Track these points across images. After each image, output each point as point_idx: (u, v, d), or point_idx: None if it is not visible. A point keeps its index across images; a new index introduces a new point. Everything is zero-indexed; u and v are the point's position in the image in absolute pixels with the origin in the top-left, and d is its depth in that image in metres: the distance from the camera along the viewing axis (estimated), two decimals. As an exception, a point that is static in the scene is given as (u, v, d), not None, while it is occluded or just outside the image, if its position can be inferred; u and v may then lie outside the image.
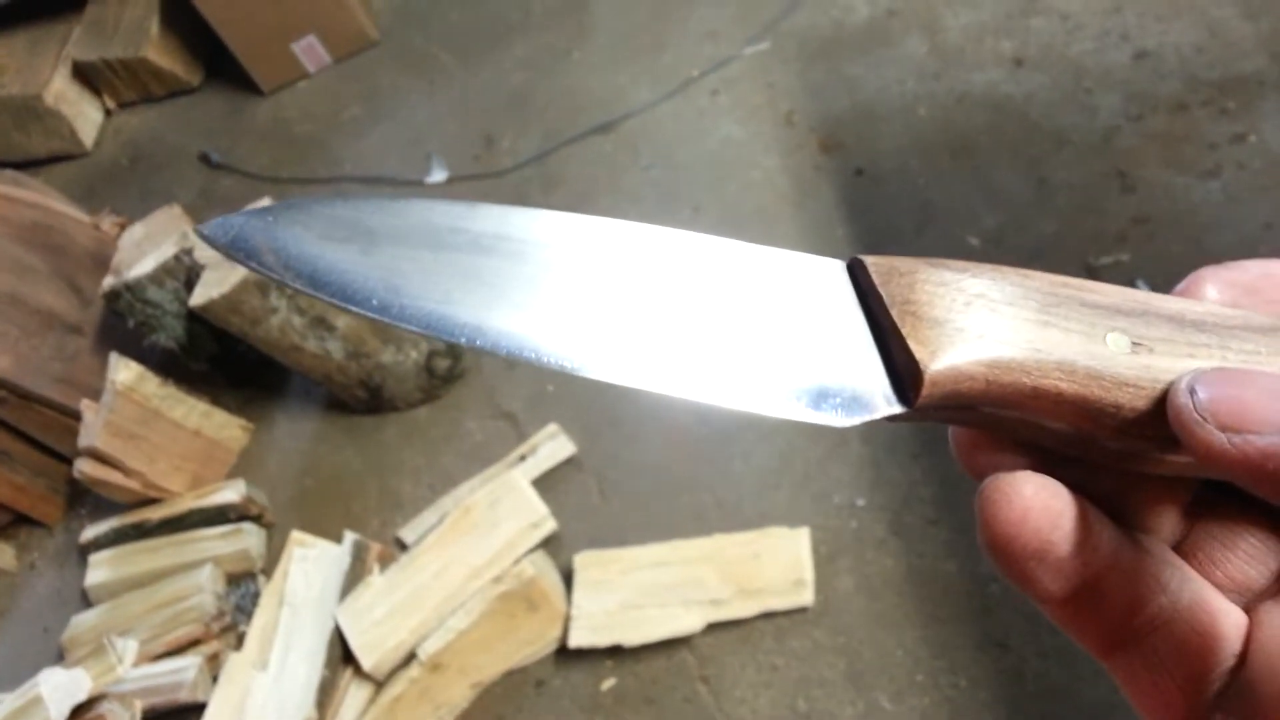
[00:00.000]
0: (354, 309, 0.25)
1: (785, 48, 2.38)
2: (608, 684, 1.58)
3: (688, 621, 1.55)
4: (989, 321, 0.26)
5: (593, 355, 0.26)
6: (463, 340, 0.25)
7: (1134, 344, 0.26)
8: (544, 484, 1.78)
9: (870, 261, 0.28)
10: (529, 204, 2.24)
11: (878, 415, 0.26)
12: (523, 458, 1.83)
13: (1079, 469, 0.28)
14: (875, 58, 2.27)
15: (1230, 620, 0.26)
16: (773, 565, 1.57)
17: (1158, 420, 0.25)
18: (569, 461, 1.82)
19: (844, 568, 1.58)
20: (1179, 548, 0.28)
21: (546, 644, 1.62)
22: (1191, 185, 1.85)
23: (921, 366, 0.25)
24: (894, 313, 0.26)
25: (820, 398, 0.26)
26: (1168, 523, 0.29)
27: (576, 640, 1.57)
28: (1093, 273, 1.77)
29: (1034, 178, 1.95)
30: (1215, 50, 2.02)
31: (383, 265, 0.25)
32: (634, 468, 1.79)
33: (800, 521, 1.62)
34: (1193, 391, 0.25)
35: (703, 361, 0.26)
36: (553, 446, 1.83)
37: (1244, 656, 0.26)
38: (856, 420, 0.26)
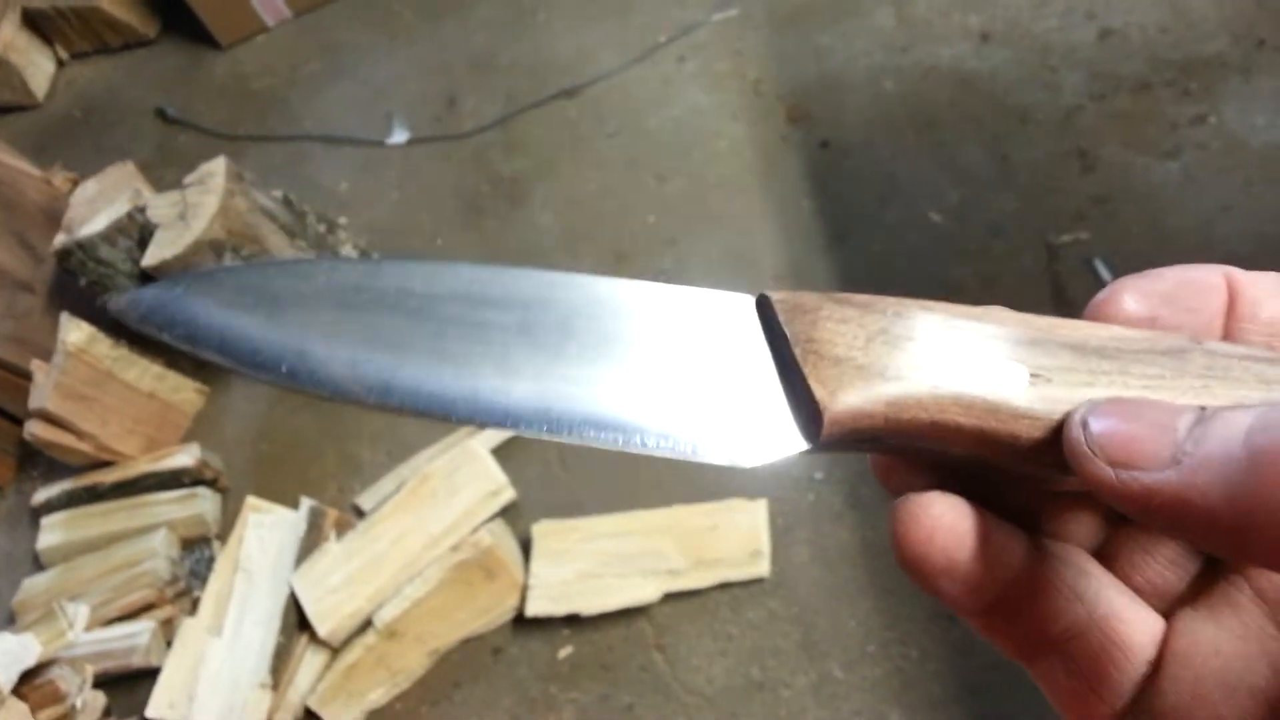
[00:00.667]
0: (264, 377, 0.25)
1: (754, 15, 2.36)
2: (565, 652, 1.59)
3: (645, 591, 1.56)
4: (888, 359, 0.27)
5: (500, 410, 0.26)
6: (371, 401, 0.25)
7: (1033, 375, 0.27)
8: (503, 453, 1.77)
9: (776, 299, 0.28)
10: (490, 168, 2.23)
11: (781, 456, 0.27)
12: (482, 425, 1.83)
13: (992, 484, 0.29)
14: (844, 28, 2.26)
15: (1145, 628, 0.27)
16: (730, 536, 1.58)
17: (1057, 449, 0.26)
18: (529, 430, 1.82)
19: (800, 540, 1.60)
20: (1100, 553, 0.29)
21: (504, 612, 1.62)
22: (1152, 165, 1.86)
23: (822, 407, 0.26)
24: (797, 351, 0.27)
25: (725, 441, 0.27)
26: (1086, 529, 0.29)
27: (534, 609, 1.57)
28: (1052, 251, 1.79)
29: (997, 154, 1.95)
30: (1179, 31, 2.03)
31: (289, 331, 0.26)
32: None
33: (758, 494, 1.63)
34: (1085, 424, 0.25)
35: (609, 409, 0.27)
36: (513, 415, 1.82)
37: (1159, 664, 0.27)
38: (761, 461, 0.27)
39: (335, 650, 1.62)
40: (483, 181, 2.25)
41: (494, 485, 1.65)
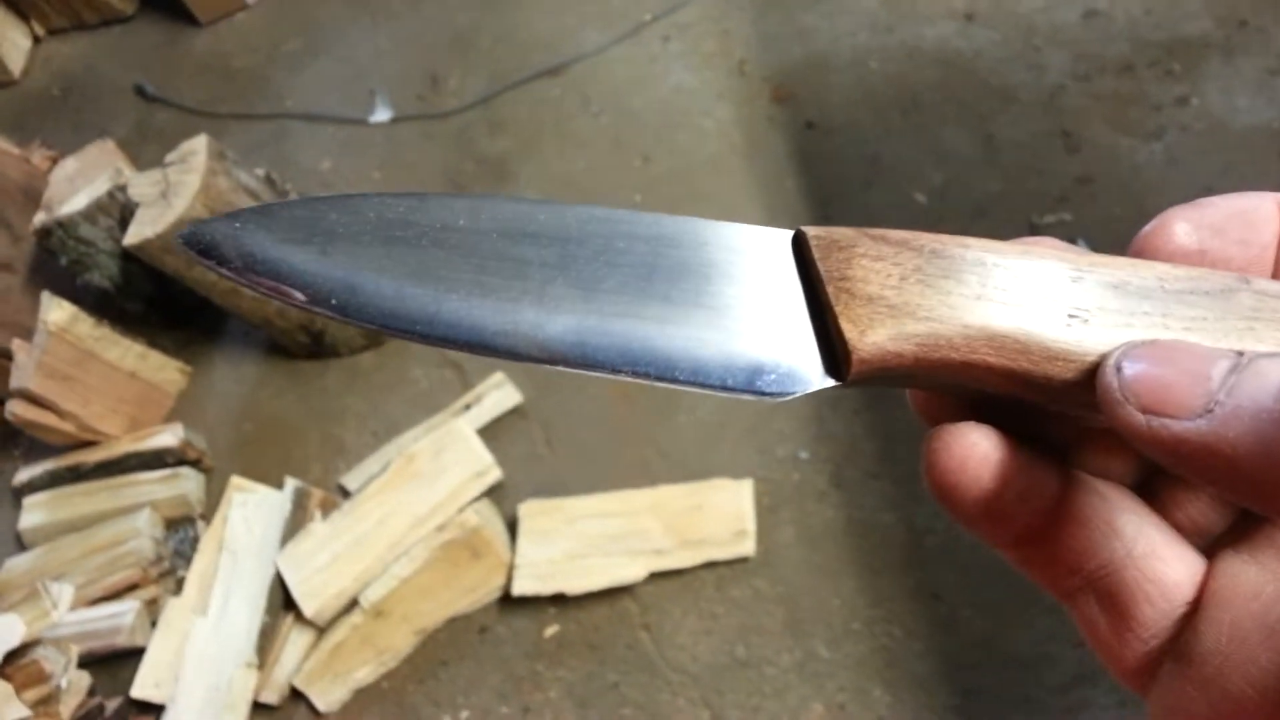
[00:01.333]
0: (317, 310, 0.26)
1: (739, -6, 2.35)
2: (551, 631, 1.60)
3: (631, 571, 1.57)
4: (921, 298, 0.26)
5: (537, 345, 0.26)
6: (416, 334, 0.26)
7: (1070, 315, 0.26)
8: (489, 433, 1.77)
9: (812, 234, 0.28)
10: (474, 147, 2.21)
11: (809, 390, 0.27)
12: (468, 406, 1.83)
13: (1031, 418, 0.28)
14: (829, 7, 2.26)
15: (1184, 568, 0.27)
16: (715, 516, 1.59)
17: (1091, 391, 0.26)
18: (515, 411, 1.82)
19: (785, 519, 1.61)
20: (1140, 489, 0.29)
21: (490, 592, 1.63)
22: (1135, 146, 1.87)
23: (851, 347, 0.26)
24: (829, 289, 0.27)
25: (754, 374, 0.27)
26: (1127, 465, 0.29)
27: (520, 588, 1.58)
28: (1036, 231, 1.80)
29: (981, 135, 1.96)
30: (1163, 12, 2.04)
31: (339, 266, 0.26)
32: (580, 418, 1.80)
33: (744, 473, 1.64)
34: (1119, 369, 0.25)
35: (643, 343, 0.27)
36: (499, 396, 1.82)
37: (1197, 604, 0.26)
38: (788, 396, 0.27)
39: (321, 630, 1.62)
40: (466, 160, 2.24)
41: (480, 465, 1.65)
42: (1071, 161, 1.88)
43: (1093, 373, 0.26)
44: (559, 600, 1.60)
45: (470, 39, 2.48)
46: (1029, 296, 0.27)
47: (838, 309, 0.26)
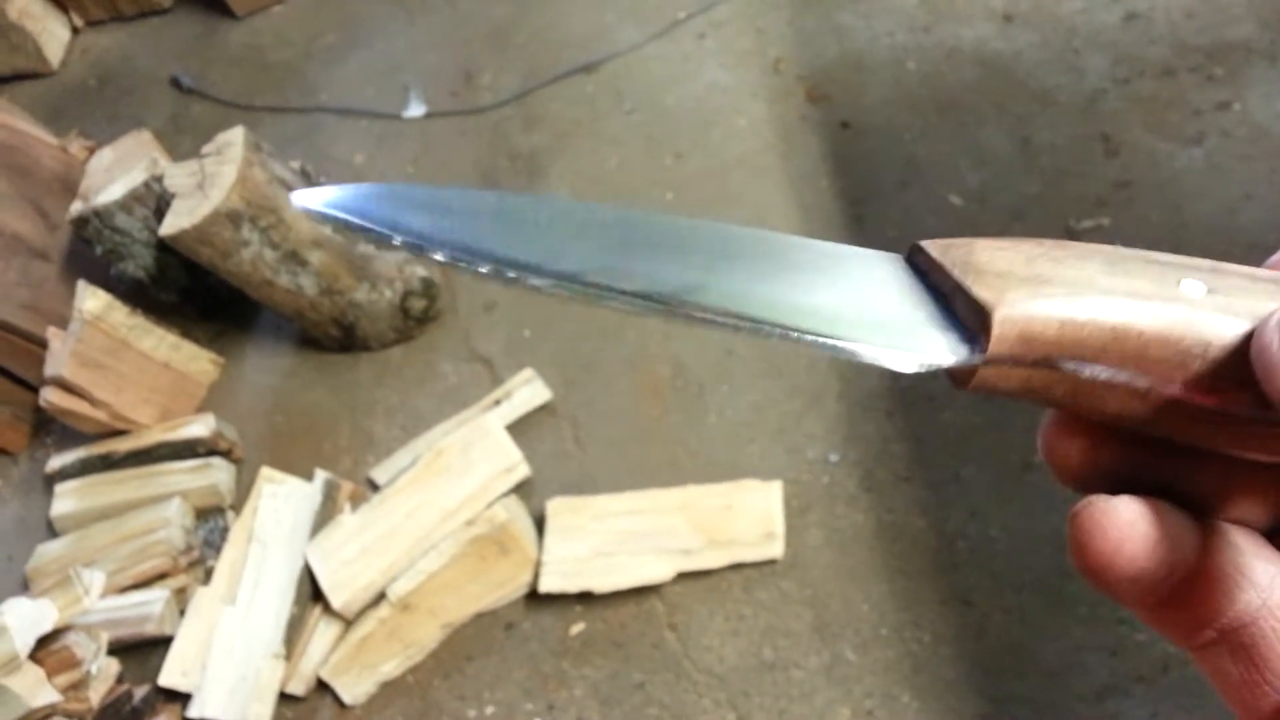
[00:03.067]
0: (459, 261, 0.27)
1: (775, -7, 2.34)
2: (577, 629, 1.60)
3: (658, 570, 1.57)
4: (1054, 272, 0.25)
5: (661, 282, 0.26)
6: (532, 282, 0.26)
7: (1210, 290, 0.25)
8: (518, 429, 1.77)
9: (925, 243, 0.27)
10: (507, 143, 2.22)
11: (946, 362, 0.26)
12: (497, 402, 1.83)
13: (1166, 462, 0.27)
14: (865, 7, 2.24)
15: None
16: (744, 517, 1.58)
17: (1241, 369, 0.24)
18: (544, 407, 1.82)
19: (814, 521, 1.60)
20: (1275, 535, 0.27)
21: (517, 588, 1.63)
22: (1175, 151, 1.85)
23: (989, 308, 0.25)
24: (955, 272, 0.26)
25: (893, 335, 0.26)
26: (1261, 509, 0.28)
27: (547, 585, 1.58)
28: (1073, 235, 1.78)
29: (1018, 137, 1.94)
30: (1205, 15, 2.01)
31: (455, 227, 0.27)
32: (609, 416, 1.79)
33: (773, 475, 1.63)
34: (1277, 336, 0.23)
35: (780, 289, 0.26)
36: (528, 392, 1.82)
37: None
38: (925, 364, 0.26)
39: (349, 622, 1.63)
40: (500, 156, 2.24)
41: (509, 461, 1.65)
42: (1110, 165, 1.86)
43: (1243, 348, 0.24)
44: (585, 598, 1.60)
45: (505, 35, 2.48)
46: (1165, 275, 0.26)
47: (969, 283, 0.25)
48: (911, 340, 0.26)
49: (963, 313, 0.26)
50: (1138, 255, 0.26)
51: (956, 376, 0.26)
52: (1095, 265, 0.26)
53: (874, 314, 0.26)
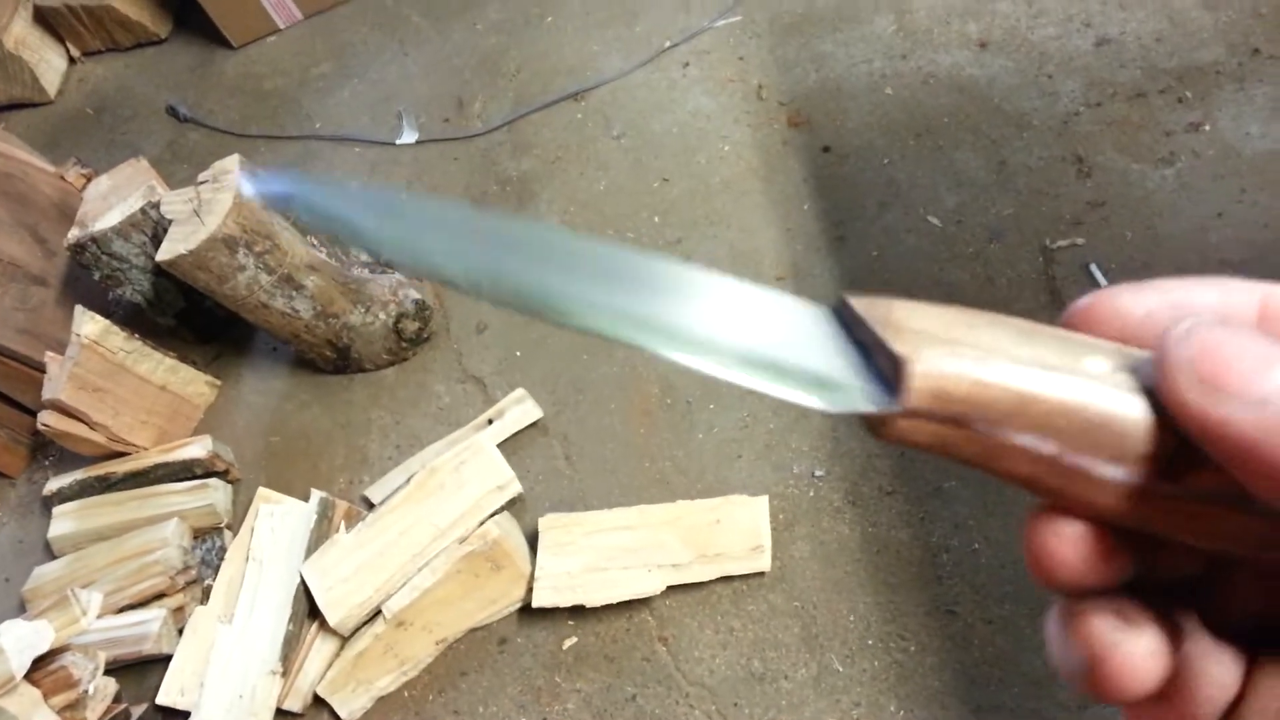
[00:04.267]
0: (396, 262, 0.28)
1: (756, 21, 2.40)
2: (569, 643, 1.63)
3: (648, 584, 1.60)
4: (968, 336, 0.26)
5: (604, 310, 0.27)
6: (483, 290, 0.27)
7: (1113, 368, 0.26)
8: (510, 447, 1.81)
9: (851, 298, 0.29)
10: (498, 168, 2.26)
11: (863, 410, 0.27)
12: (490, 421, 1.86)
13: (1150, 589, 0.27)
14: (845, 35, 2.30)
15: (1227, 669, 0.27)
16: (732, 531, 1.62)
17: (1146, 437, 0.25)
18: (535, 426, 1.86)
19: (801, 535, 1.64)
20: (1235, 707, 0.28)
21: (510, 603, 1.66)
22: (1147, 172, 1.90)
23: (905, 362, 0.25)
24: (875, 326, 0.27)
25: (814, 380, 0.27)
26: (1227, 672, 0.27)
27: (540, 600, 1.61)
28: (1049, 255, 1.83)
29: (995, 160, 1.99)
30: (1175, 39, 2.07)
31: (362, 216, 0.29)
32: (599, 434, 1.83)
33: (760, 490, 1.67)
34: (1187, 334, 0.24)
35: (710, 327, 0.27)
36: (520, 411, 1.86)
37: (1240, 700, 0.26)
38: (842, 410, 0.27)
39: (344, 639, 1.65)
40: (490, 182, 2.29)
41: (501, 479, 1.68)
42: (1084, 186, 1.91)
43: (1149, 417, 0.25)
44: (578, 612, 1.63)
45: (496, 64, 2.54)
46: (1073, 349, 0.27)
47: (888, 337, 0.26)
48: (831, 386, 0.27)
49: (882, 364, 0.27)
50: (1048, 330, 0.27)
51: (873, 425, 0.27)
52: (1007, 334, 0.27)
53: (799, 358, 0.27)
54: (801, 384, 0.27)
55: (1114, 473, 0.26)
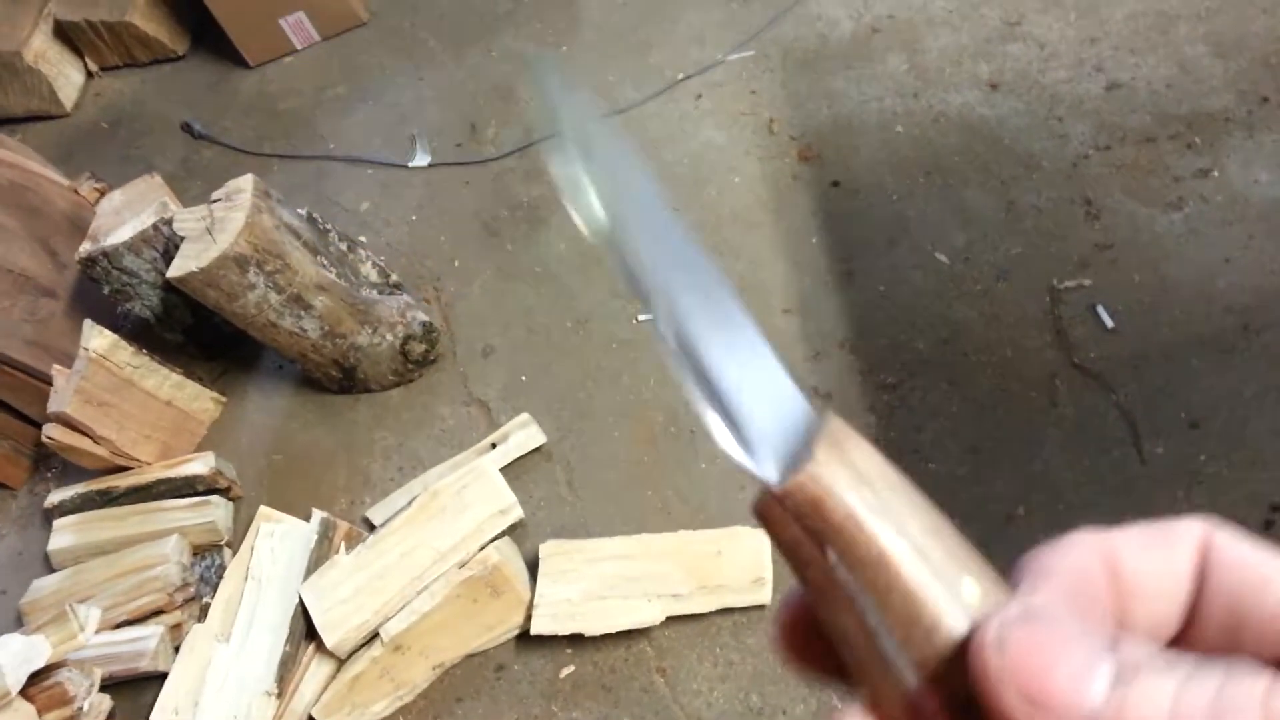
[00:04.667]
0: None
1: (770, 56, 2.42)
2: (567, 671, 1.62)
3: (648, 613, 1.59)
4: (883, 488, 0.26)
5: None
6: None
7: (981, 594, 0.26)
8: (513, 472, 1.81)
9: (830, 412, 0.29)
10: (509, 193, 2.27)
11: (750, 470, 0.27)
12: (493, 445, 1.86)
13: None
14: (857, 73, 2.32)
15: None
16: (734, 563, 1.61)
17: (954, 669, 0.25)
18: (539, 451, 1.86)
19: (802, 569, 1.63)
20: None
21: (508, 629, 1.65)
22: (1155, 216, 1.91)
23: (811, 461, 0.26)
24: (820, 434, 0.27)
25: (745, 429, 0.27)
26: None
27: (538, 627, 1.60)
28: (1056, 295, 1.84)
29: (1003, 200, 2.00)
30: (1185, 86, 2.09)
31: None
32: (602, 461, 1.83)
33: (762, 522, 1.66)
34: (1002, 639, 0.23)
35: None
36: (523, 435, 1.86)
37: None
38: (740, 462, 0.27)
39: (341, 661, 1.65)
40: (501, 207, 2.30)
41: (503, 504, 1.68)
42: (1092, 228, 1.92)
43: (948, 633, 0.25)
44: (576, 640, 1.62)
45: (510, 91, 2.56)
46: (962, 559, 0.26)
47: (819, 441, 0.27)
48: (750, 436, 0.27)
49: (800, 456, 0.27)
50: (954, 536, 0.27)
51: (758, 498, 0.27)
52: (915, 513, 0.26)
53: (750, 396, 0.28)
54: (729, 415, 0.27)
55: (913, 684, 0.25)
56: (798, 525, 0.26)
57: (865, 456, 0.27)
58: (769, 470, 0.27)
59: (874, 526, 0.26)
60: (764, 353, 0.29)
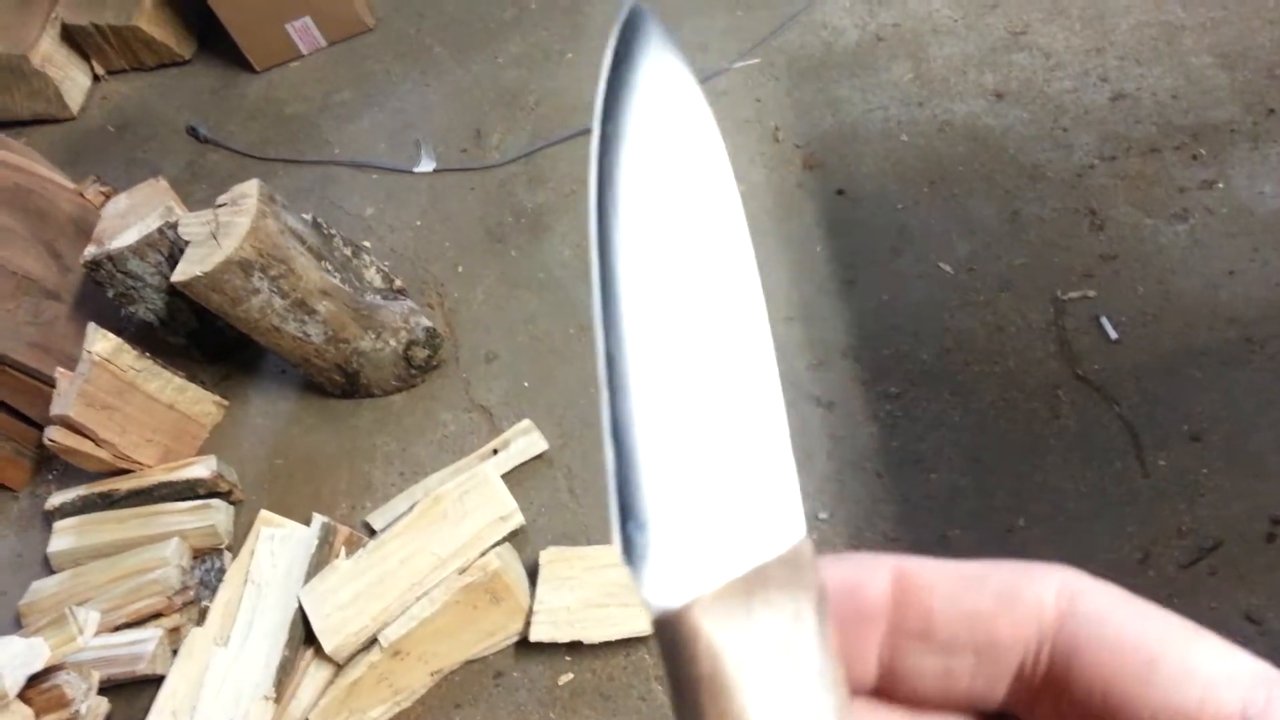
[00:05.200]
0: None
1: (775, 64, 2.42)
2: (565, 679, 1.61)
3: (648, 622, 1.58)
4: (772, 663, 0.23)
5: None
6: None
7: None
8: (514, 478, 1.81)
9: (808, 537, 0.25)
10: (513, 200, 2.28)
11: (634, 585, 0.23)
12: (495, 451, 1.86)
13: None
14: (861, 81, 2.32)
15: None
16: (733, 572, 1.60)
17: None
18: (540, 458, 1.85)
19: (802, 578, 1.62)
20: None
21: (507, 636, 1.64)
22: (1160, 227, 1.91)
23: (688, 601, 0.22)
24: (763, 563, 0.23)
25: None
26: None
27: (537, 634, 1.60)
28: (1060, 306, 1.83)
29: (1008, 209, 2.00)
30: (1191, 97, 2.08)
31: None
32: (604, 468, 1.82)
33: (763, 530, 1.65)
34: None
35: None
36: (525, 442, 1.86)
37: None
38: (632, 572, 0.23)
39: (339, 666, 1.64)
40: (505, 213, 2.30)
41: (504, 510, 1.68)
42: (1096, 239, 1.91)
43: None
44: (575, 648, 1.62)
45: (515, 98, 2.56)
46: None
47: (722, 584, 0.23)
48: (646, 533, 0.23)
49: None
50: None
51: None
52: (827, 694, 0.23)
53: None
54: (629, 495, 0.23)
55: None
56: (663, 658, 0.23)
57: (790, 611, 0.23)
58: (651, 588, 0.22)
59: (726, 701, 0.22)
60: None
